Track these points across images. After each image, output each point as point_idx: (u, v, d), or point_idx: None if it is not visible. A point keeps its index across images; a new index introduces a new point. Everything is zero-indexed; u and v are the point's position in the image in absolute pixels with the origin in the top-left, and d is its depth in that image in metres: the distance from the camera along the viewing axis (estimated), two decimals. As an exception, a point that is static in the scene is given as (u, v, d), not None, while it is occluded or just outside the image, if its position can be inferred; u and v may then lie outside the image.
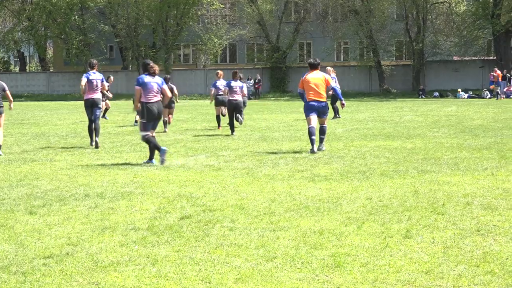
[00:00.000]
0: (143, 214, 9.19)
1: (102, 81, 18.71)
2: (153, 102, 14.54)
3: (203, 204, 9.81)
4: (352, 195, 10.39)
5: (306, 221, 8.55)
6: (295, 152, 16.20)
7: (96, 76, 18.67)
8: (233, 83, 22.26)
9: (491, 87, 52.24)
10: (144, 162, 14.64)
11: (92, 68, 18.83)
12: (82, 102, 19.00)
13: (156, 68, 14.95)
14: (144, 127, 14.56)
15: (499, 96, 50.19)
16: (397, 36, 63.67)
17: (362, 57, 64.99)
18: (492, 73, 52.28)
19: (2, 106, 16.86)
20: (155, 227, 8.31)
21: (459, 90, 55.00)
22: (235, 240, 7.65)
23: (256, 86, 60.51)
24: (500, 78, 50.95)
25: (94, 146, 18.35)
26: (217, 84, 24.55)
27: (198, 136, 21.64)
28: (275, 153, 16.21)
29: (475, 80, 57.90)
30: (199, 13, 67.13)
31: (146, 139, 14.53)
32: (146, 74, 14.69)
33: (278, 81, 64.82)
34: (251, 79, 58.88)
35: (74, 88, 63.54)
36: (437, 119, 27.62)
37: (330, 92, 17.08)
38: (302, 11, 66.20)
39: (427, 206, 9.36)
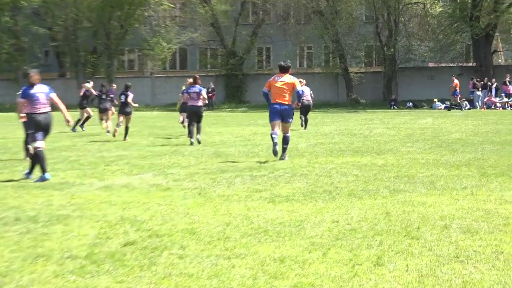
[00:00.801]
0: (81, 240, 9.10)
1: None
2: (40, 113, 15.22)
3: (149, 228, 9.75)
4: (316, 217, 10.40)
5: (265, 247, 8.53)
6: (253, 170, 16.19)
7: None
8: (191, 89, 24.26)
9: (451, 97, 52.98)
10: (25, 173, 15.44)
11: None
12: (14, 114, 18.94)
13: (36, 77, 15.50)
14: (32, 138, 15.20)
15: (462, 107, 50.78)
16: (367, 40, 64.14)
17: (328, 63, 65.34)
18: (471, 81, 53.04)
19: None
20: (94, 255, 8.24)
21: (435, 100, 55.44)
22: (185, 269, 7.61)
23: (210, 95, 60.48)
24: (457, 88, 51.49)
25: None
26: (189, 91, 25.46)
27: (144, 151, 21.54)
28: (231, 170, 16.19)
29: (452, 89, 58.52)
30: (146, 14, 67.00)
31: (35, 154, 15.13)
32: (29, 86, 15.33)
33: (234, 90, 64.86)
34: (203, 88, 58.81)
35: (5, 98, 63.01)
36: (411, 132, 27.84)
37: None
38: (260, 12, 66.38)
39: (400, 230, 9.39)
